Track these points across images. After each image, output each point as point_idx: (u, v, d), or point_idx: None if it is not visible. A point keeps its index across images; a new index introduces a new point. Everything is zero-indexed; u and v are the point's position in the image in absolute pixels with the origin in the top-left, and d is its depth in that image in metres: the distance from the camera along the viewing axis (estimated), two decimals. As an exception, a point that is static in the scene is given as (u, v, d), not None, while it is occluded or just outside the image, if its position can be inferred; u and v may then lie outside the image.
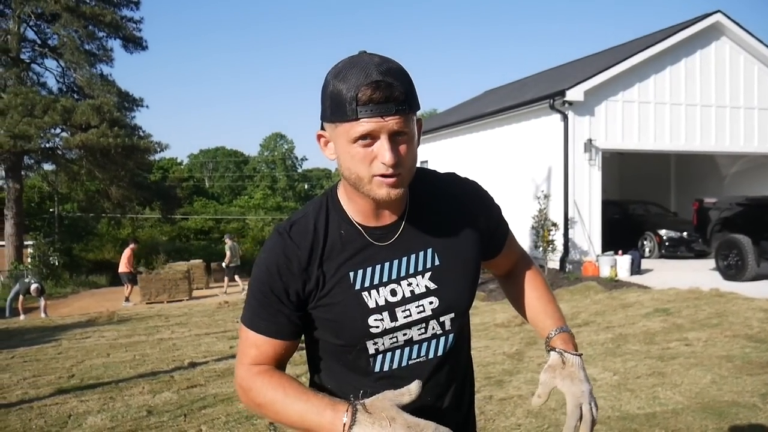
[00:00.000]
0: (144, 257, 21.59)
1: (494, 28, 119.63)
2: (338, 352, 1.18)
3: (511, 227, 1.40)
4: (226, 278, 15.23)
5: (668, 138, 12.44)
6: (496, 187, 12.33)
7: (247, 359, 1.16)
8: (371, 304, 1.14)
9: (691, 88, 12.51)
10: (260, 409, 1.13)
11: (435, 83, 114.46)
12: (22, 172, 22.00)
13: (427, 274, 1.17)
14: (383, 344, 1.15)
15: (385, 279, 1.15)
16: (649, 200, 15.32)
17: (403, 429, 0.96)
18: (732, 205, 10.16)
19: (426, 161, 16.36)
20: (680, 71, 12.48)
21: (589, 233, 11.70)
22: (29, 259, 21.38)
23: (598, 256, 11.21)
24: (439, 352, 1.20)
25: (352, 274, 1.14)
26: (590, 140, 11.59)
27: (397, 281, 1.16)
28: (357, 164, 1.05)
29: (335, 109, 1.03)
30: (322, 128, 1.12)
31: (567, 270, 11.47)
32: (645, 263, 11.71)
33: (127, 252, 14.19)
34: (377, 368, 1.17)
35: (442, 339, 1.20)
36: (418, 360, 1.18)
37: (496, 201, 1.33)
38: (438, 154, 16.42)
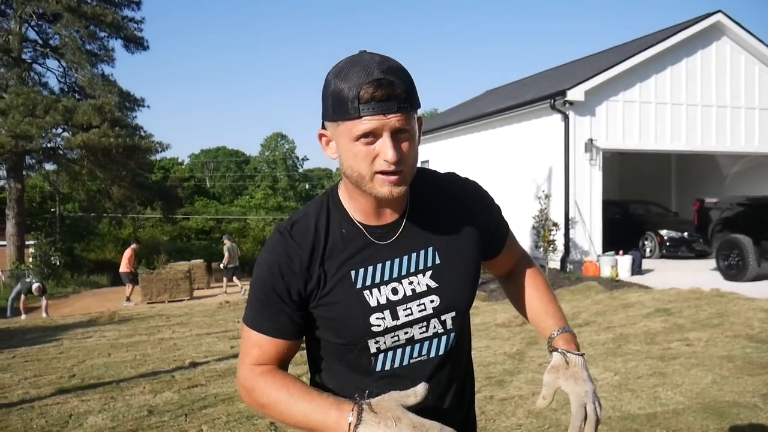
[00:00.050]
0: (145, 257, 21.61)
1: (495, 27, 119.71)
2: (340, 351, 1.18)
3: (512, 227, 1.40)
4: (224, 279, 15.28)
5: (669, 138, 12.44)
6: (497, 187, 12.33)
7: (249, 359, 1.16)
8: (373, 303, 1.14)
9: (692, 88, 12.50)
10: (264, 410, 1.13)
11: (436, 83, 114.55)
12: (24, 172, 22.05)
13: (428, 273, 1.17)
14: (385, 343, 1.16)
15: (386, 277, 1.15)
16: (649, 200, 15.31)
17: (409, 429, 0.97)
18: (733, 205, 10.15)
19: (427, 161, 16.36)
20: (681, 71, 12.47)
21: (589, 233, 11.69)
22: (31, 259, 21.42)
23: (598, 256, 11.20)
24: (441, 351, 1.20)
25: (353, 272, 1.14)
26: (591, 140, 11.59)
27: (398, 280, 1.16)
28: (359, 162, 1.05)
29: (337, 107, 1.04)
30: (323, 127, 1.12)
31: (568, 270, 11.46)
32: (646, 263, 11.70)
33: (128, 252, 14.21)
34: (379, 367, 1.17)
35: (444, 338, 1.20)
36: (419, 359, 1.18)
37: (497, 201, 1.33)
38: (439, 154, 16.42)
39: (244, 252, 26.11)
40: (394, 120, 1.02)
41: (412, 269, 1.17)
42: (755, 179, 13.96)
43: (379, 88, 1.00)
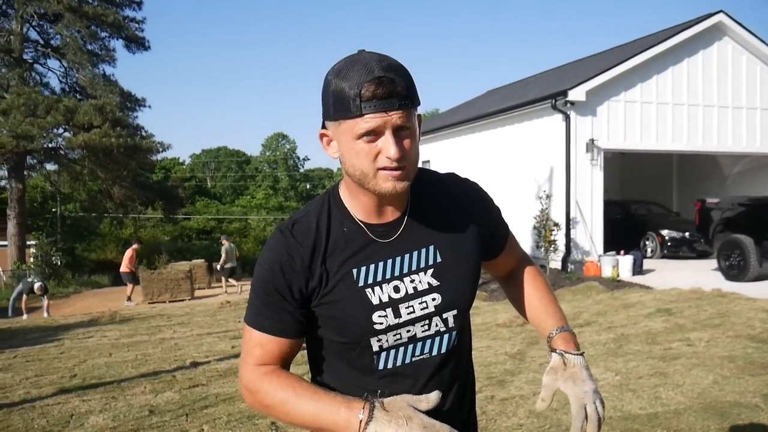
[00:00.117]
0: (146, 257, 21.63)
1: (496, 27, 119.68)
2: (342, 350, 1.18)
3: (513, 227, 1.40)
4: (223, 279, 15.33)
5: (670, 138, 12.43)
6: (498, 186, 12.35)
7: (252, 360, 1.15)
8: (375, 301, 1.14)
9: (693, 88, 12.50)
10: (268, 411, 1.13)
11: (437, 82, 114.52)
12: (25, 172, 22.07)
13: (430, 271, 1.18)
14: (387, 341, 1.16)
15: (388, 276, 1.15)
16: (651, 200, 15.30)
17: (420, 429, 0.98)
18: (734, 205, 10.15)
19: (428, 161, 16.36)
20: (683, 71, 12.47)
21: (591, 233, 11.69)
22: (32, 259, 21.42)
23: (600, 256, 11.20)
24: (443, 350, 1.20)
25: (355, 271, 1.14)
26: (592, 140, 11.58)
27: (400, 278, 1.16)
28: (362, 160, 1.05)
29: (338, 106, 1.04)
30: (324, 127, 1.12)
31: (569, 270, 11.46)
32: (647, 263, 11.70)
33: (129, 252, 14.22)
34: (381, 366, 1.17)
35: (446, 336, 1.20)
36: (421, 357, 1.18)
37: (498, 201, 1.33)
38: (440, 154, 16.42)
39: (245, 252, 26.16)
40: (395, 117, 1.02)
41: (414, 267, 1.17)
42: (756, 179, 13.95)
43: (380, 86, 1.00)
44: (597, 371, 4.79)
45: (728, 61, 12.74)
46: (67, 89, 23.24)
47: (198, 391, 4.70)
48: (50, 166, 23.82)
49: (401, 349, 1.17)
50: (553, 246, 11.38)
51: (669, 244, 12.83)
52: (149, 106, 24.21)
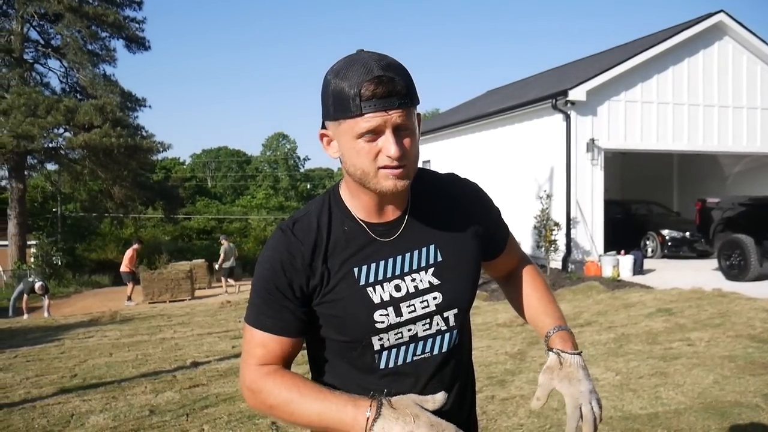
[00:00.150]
0: (146, 257, 21.64)
1: (496, 26, 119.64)
2: (343, 349, 1.18)
3: (513, 227, 1.40)
4: (223, 279, 15.33)
5: (671, 138, 12.43)
6: (499, 186, 12.35)
7: (253, 360, 1.14)
8: (376, 300, 1.14)
9: (693, 87, 12.49)
10: (272, 411, 1.11)
11: (437, 82, 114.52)
12: (26, 172, 22.09)
13: (430, 270, 1.18)
14: (388, 340, 1.15)
15: (389, 274, 1.15)
16: (651, 200, 15.30)
17: (426, 427, 0.98)
18: (735, 205, 10.14)
19: (428, 161, 16.36)
20: (683, 71, 12.46)
21: (591, 233, 11.69)
22: (32, 259, 21.44)
23: (600, 256, 11.20)
24: (444, 349, 1.20)
25: (356, 269, 1.14)
26: (593, 140, 11.58)
27: (401, 277, 1.16)
28: (362, 159, 1.06)
29: (338, 106, 1.04)
30: (324, 127, 1.13)
31: (569, 270, 11.46)
32: (647, 263, 11.69)
33: (129, 252, 14.22)
34: (382, 365, 1.17)
35: (447, 335, 1.20)
36: (422, 356, 1.18)
37: (498, 201, 1.33)
38: (440, 154, 16.42)
39: (246, 252, 26.18)
40: (395, 116, 1.03)
41: (415, 266, 1.17)
42: (757, 179, 13.95)
43: (380, 85, 1.01)
44: (597, 371, 4.79)
45: (729, 61, 12.74)
46: (68, 89, 23.27)
47: (198, 391, 4.70)
48: (51, 166, 23.88)
49: (402, 348, 1.17)
50: (553, 246, 11.38)
51: (669, 243, 12.82)
52: (149, 106, 24.26)
